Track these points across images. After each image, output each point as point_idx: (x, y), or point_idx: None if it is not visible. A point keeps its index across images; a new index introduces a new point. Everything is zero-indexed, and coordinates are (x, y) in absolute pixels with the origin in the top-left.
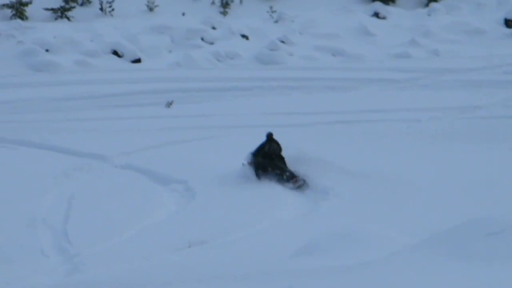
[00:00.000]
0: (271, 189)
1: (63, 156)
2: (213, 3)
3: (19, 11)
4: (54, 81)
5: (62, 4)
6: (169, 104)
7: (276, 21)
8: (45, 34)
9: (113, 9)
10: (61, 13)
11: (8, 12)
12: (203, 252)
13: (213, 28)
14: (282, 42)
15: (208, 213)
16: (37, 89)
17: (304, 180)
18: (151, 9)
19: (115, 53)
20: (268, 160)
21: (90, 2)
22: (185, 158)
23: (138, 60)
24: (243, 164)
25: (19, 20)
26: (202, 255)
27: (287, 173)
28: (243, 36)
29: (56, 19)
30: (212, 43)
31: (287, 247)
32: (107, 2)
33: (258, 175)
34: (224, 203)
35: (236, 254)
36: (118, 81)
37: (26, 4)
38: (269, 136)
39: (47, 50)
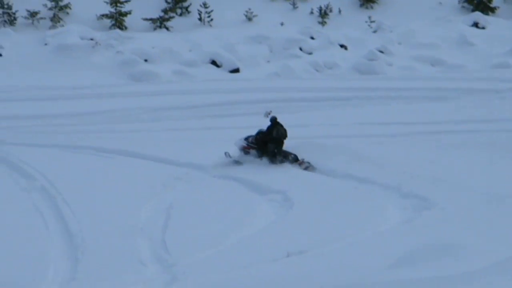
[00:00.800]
0: (371, 200)
1: (162, 165)
2: (311, 12)
3: (118, 21)
4: (153, 91)
5: (161, 14)
6: (267, 114)
7: (375, 31)
8: (144, 44)
9: (211, 19)
10: (160, 23)
11: (108, 22)
12: (301, 262)
13: (312, 38)
14: (381, 52)
15: (306, 223)
16: (135, 98)
17: (309, 163)
18: (249, 19)
19: (213, 63)
20: (276, 145)
21: (189, 12)
22: (282, 169)
23: (236, 70)
24: (225, 154)
25: (118, 30)
26: (300, 265)
27: (292, 156)
28: (342, 46)
29: (155, 29)
30: (310, 53)
31: (386, 258)
32: (206, 12)
33: (261, 157)
34: (322, 213)
35: (334, 265)
36: (216, 91)
37: (125, 14)
38: (274, 120)
39: (145, 60)
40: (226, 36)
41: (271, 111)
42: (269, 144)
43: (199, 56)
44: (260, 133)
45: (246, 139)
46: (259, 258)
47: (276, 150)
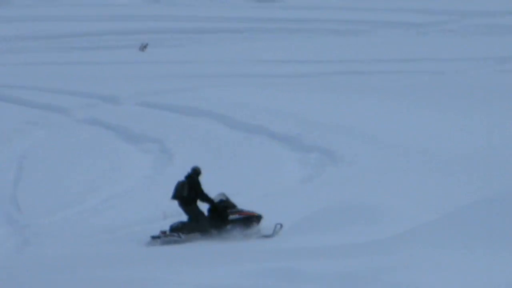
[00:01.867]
0: (266, 154)
1: (14, 107)
2: None
3: None
4: (4, 16)
5: None
6: (143, 47)
7: None
8: None
9: None
10: None
11: None
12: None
13: None
14: None
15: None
16: None
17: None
18: None
19: None
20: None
21: None
22: (161, 114)
23: None
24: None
25: None
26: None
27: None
28: None
29: None
30: None
31: (285, 220)
32: None
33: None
34: (209, 167)
35: None
36: (82, 19)
37: None
38: (194, 173)
39: None
40: None
41: (147, 44)
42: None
43: None
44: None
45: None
46: (129, 220)
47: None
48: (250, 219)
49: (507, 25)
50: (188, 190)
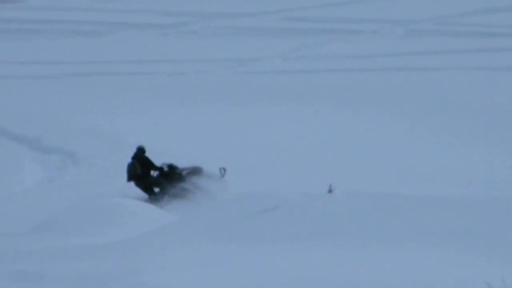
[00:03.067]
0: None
1: None
2: None
3: None
4: None
5: None
6: None
7: None
8: None
9: None
10: None
11: None
12: None
13: None
14: None
15: None
16: None
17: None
18: None
19: None
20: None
21: None
22: None
23: None
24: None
25: None
26: None
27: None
28: None
29: None
30: None
31: (25, 222)
32: None
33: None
34: None
35: None
36: None
37: None
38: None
39: None
40: None
41: None
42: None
43: None
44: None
45: None
46: None
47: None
48: (197, 169)
49: (247, 27)
50: (141, 168)
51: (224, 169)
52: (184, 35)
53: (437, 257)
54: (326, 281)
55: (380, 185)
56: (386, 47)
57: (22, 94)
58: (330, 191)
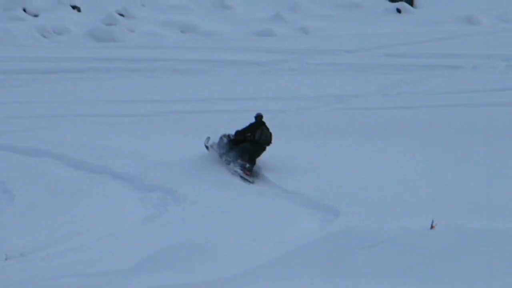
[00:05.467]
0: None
1: None
2: None
3: None
4: None
5: None
6: None
7: None
8: None
9: None
10: None
11: None
12: (21, 266)
13: None
14: (121, 15)
15: (28, 221)
16: None
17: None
18: None
19: None
20: (255, 150)
21: None
22: (2, 155)
23: None
24: (206, 147)
25: None
26: (21, 270)
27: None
28: (74, 7)
29: None
30: (36, 16)
31: (127, 260)
32: None
33: (224, 158)
34: (47, 210)
35: (59, 270)
36: None
37: None
38: (260, 118)
39: None
40: None
41: None
42: (244, 146)
43: None
44: (238, 133)
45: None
46: None
47: (249, 158)
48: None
49: (347, 63)
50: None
51: (208, 137)
52: (283, 72)
53: None
54: None
55: (480, 219)
56: (486, 82)
57: (123, 132)
58: (432, 227)
